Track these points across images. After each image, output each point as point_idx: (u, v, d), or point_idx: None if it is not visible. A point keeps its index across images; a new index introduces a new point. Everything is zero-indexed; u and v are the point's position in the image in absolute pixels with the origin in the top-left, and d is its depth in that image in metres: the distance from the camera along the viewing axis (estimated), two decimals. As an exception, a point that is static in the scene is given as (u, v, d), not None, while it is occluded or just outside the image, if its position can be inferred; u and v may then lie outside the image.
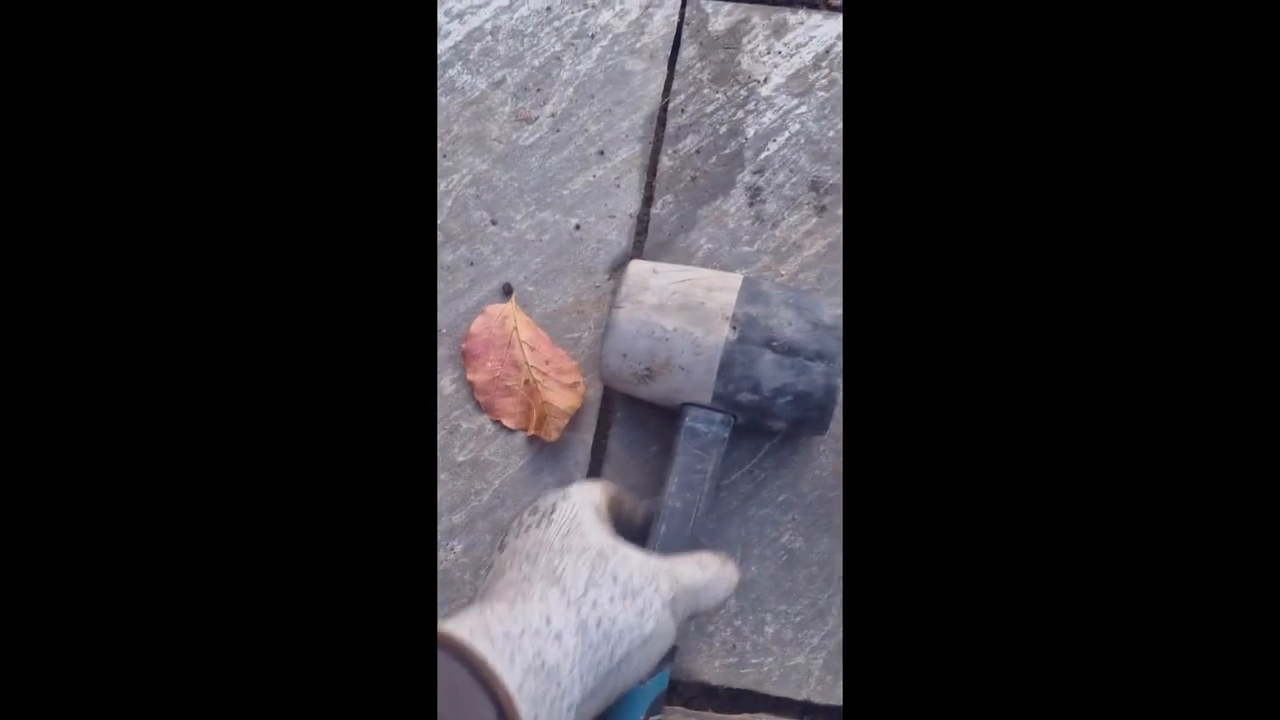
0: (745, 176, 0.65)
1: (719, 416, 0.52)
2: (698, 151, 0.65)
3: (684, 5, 0.69)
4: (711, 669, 0.54)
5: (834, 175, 0.64)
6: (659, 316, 0.52)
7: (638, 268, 0.54)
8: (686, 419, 0.53)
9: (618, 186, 0.64)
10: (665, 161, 0.65)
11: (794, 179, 0.64)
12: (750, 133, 0.66)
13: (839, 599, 0.54)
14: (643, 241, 0.63)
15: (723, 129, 0.66)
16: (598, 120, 0.66)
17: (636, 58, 0.68)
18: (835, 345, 0.51)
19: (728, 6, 0.69)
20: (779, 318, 0.51)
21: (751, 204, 0.64)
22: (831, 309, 0.52)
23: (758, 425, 0.54)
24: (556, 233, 0.64)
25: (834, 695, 0.53)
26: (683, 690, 0.54)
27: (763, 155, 0.65)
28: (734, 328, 0.51)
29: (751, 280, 0.53)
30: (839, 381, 0.51)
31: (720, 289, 0.52)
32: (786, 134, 0.65)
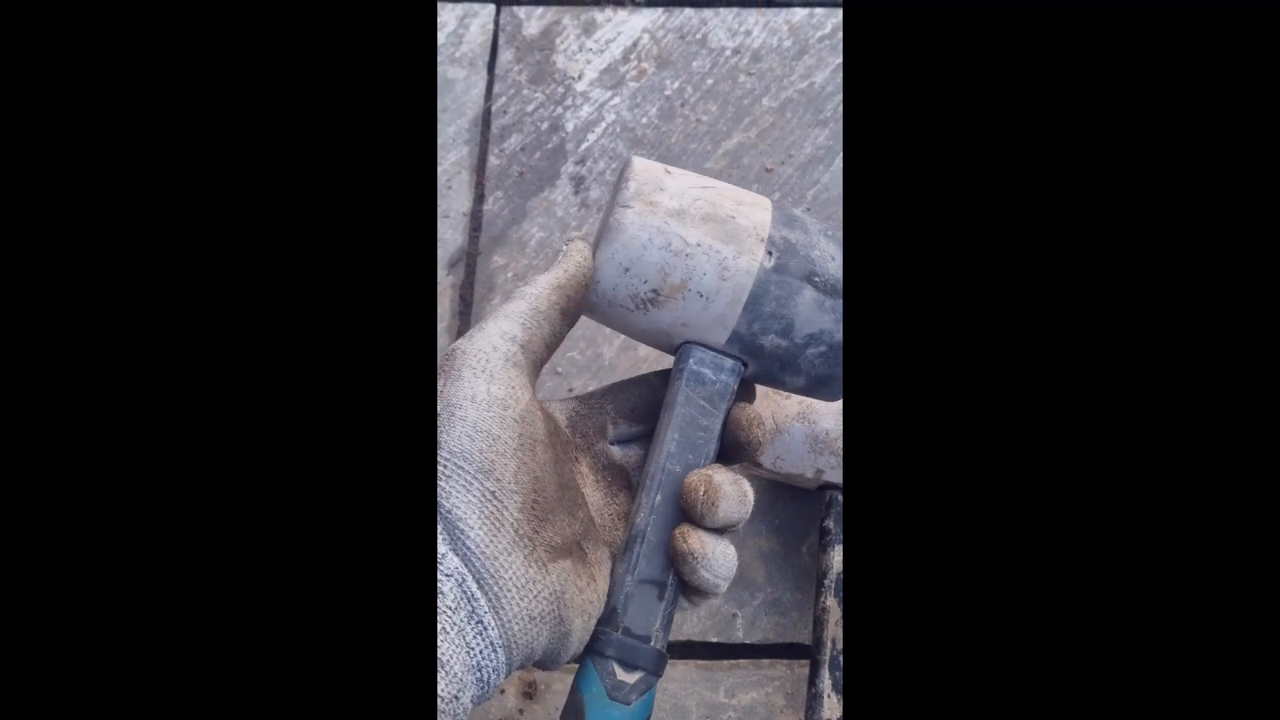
0: (569, 167, 0.69)
1: (729, 363, 0.41)
2: (522, 149, 0.70)
3: (499, 13, 0.74)
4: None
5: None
6: (679, 225, 0.39)
7: (646, 165, 0.41)
8: (690, 361, 0.41)
9: (449, 188, 0.69)
10: (493, 160, 0.69)
11: (613, 165, 0.69)
12: (570, 126, 0.70)
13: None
14: (478, 236, 0.67)
15: (544, 125, 0.70)
16: (426, 128, 0.70)
17: (457, 66, 0.72)
18: None
19: (539, 10, 0.74)
20: (821, 250, 0.41)
21: (577, 192, 0.69)
22: None
23: (769, 380, 0.42)
24: (396, 237, 0.67)
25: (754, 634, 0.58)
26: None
27: (583, 146, 0.70)
28: (770, 252, 0.40)
29: (781, 206, 0.42)
30: None
31: (750, 205, 0.41)
32: (603, 124, 0.70)
